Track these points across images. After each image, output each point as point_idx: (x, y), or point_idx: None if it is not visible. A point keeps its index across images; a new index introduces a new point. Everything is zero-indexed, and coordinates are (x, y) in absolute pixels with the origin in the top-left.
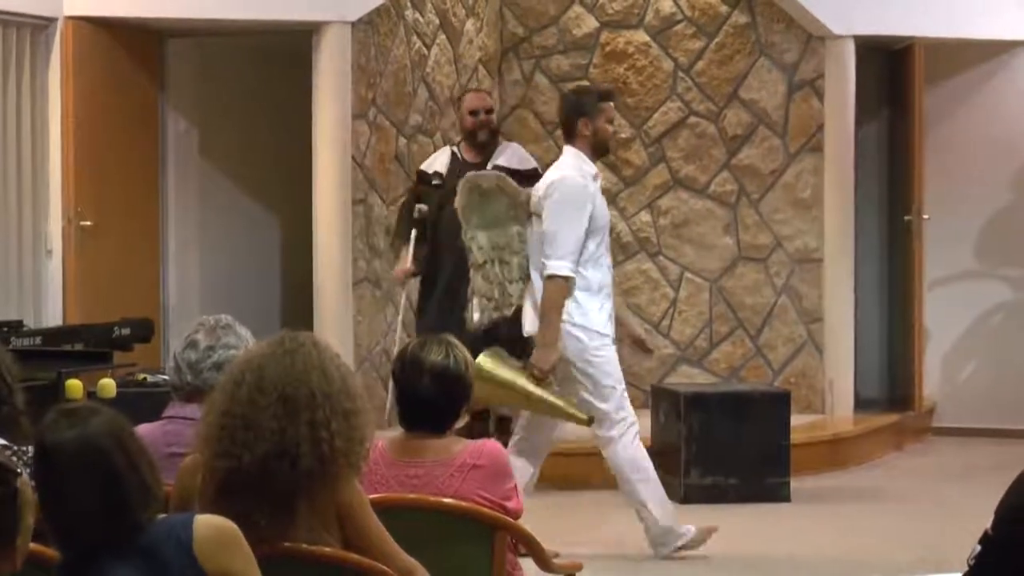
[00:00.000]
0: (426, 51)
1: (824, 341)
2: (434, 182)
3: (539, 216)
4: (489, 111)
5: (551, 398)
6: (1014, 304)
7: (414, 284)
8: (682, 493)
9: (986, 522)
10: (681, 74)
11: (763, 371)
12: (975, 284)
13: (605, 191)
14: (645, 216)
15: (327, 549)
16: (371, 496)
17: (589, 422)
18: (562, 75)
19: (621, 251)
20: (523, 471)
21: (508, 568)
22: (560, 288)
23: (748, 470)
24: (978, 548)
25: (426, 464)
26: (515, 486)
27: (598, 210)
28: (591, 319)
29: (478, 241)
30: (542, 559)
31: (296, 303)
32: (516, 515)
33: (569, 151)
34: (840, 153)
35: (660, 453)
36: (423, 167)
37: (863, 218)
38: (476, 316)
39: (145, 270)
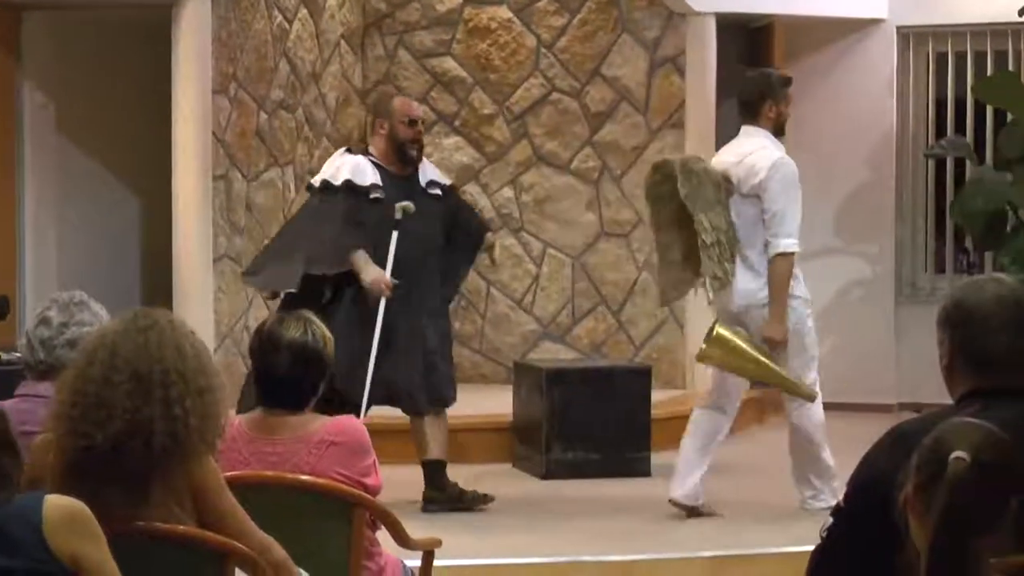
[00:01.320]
0: (288, 26)
1: (685, 317)
2: (372, 195)
3: (745, 196)
4: (422, 122)
5: (780, 369)
6: (871, 280)
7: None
8: (544, 469)
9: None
10: (544, 50)
11: (625, 347)
12: (833, 260)
13: (467, 167)
14: (508, 192)
15: (181, 528)
16: (229, 473)
17: (812, 399)
18: (425, 51)
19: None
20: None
21: (367, 544)
22: (791, 264)
23: (610, 445)
24: (830, 520)
25: (284, 441)
26: (374, 462)
27: None
28: (803, 288)
29: (704, 224)
30: (400, 535)
31: (156, 280)
32: (375, 491)
33: (759, 132)
34: (701, 130)
35: (522, 429)
36: (353, 179)
37: None
38: (710, 294)
39: (1, 247)
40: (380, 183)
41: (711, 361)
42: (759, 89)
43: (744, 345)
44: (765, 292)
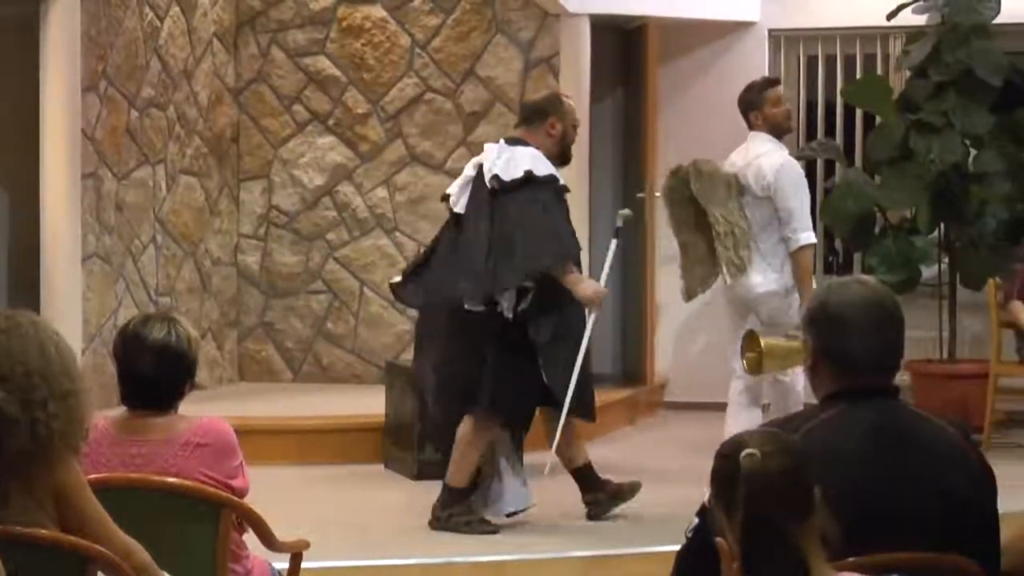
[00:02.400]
0: (159, 23)
1: None
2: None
3: (758, 198)
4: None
5: None
6: None
7: None
8: (415, 469)
9: (706, 495)
10: (418, 50)
11: None
12: None
13: (340, 167)
14: (381, 192)
15: (43, 531)
16: (94, 476)
17: None
18: (299, 49)
19: (358, 227)
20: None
21: (233, 547)
22: (810, 255)
23: None
24: (696, 520)
25: (149, 443)
26: (241, 464)
27: None
28: None
29: (716, 216)
30: (267, 537)
31: (24, 279)
32: (242, 493)
33: (761, 136)
34: None
35: (394, 429)
36: (557, 175)
37: (598, 195)
38: (728, 280)
39: None
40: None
41: (771, 368)
42: (743, 104)
43: (783, 342)
44: (778, 283)
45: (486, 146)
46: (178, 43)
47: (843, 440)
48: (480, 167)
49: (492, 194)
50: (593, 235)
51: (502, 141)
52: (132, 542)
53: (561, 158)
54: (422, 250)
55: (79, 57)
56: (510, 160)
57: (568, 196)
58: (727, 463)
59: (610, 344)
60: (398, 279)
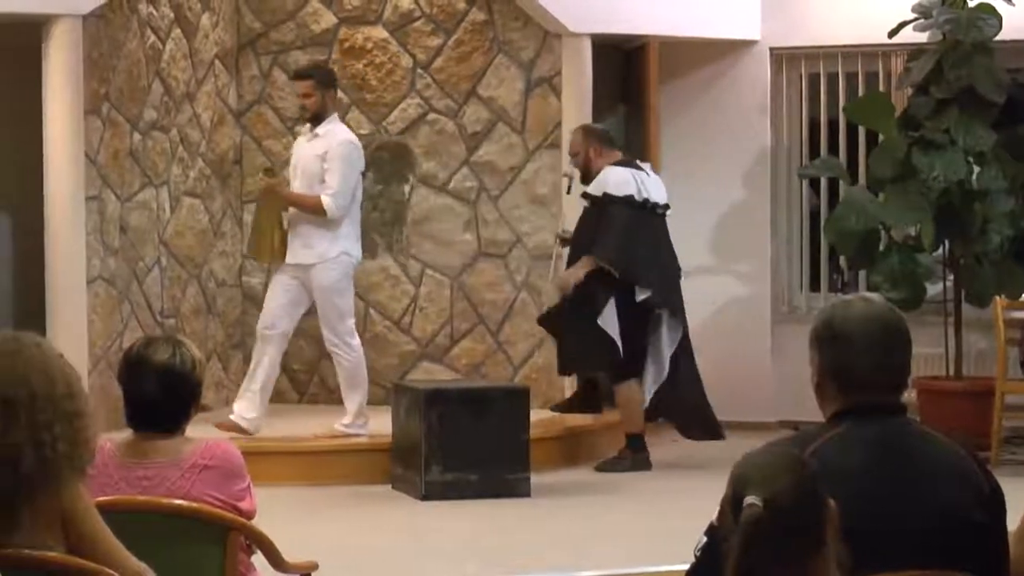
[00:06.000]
0: (161, 45)
1: None
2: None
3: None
4: (575, 155)
5: None
6: (745, 298)
7: None
8: (423, 490)
9: (713, 514)
10: (420, 71)
11: (504, 367)
12: (710, 279)
13: None
14: None
15: (51, 554)
16: (101, 499)
17: None
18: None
19: (363, 247)
20: None
21: (242, 569)
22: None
23: (488, 466)
24: (704, 539)
25: (156, 465)
26: (249, 486)
27: None
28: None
29: None
30: (275, 559)
31: (29, 302)
32: (249, 516)
33: None
34: None
35: (401, 450)
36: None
37: None
38: None
39: None
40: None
41: None
42: None
43: None
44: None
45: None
46: (180, 65)
47: (849, 457)
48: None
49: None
50: None
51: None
52: (141, 565)
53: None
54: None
55: (81, 80)
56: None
57: (574, 214)
58: (733, 500)
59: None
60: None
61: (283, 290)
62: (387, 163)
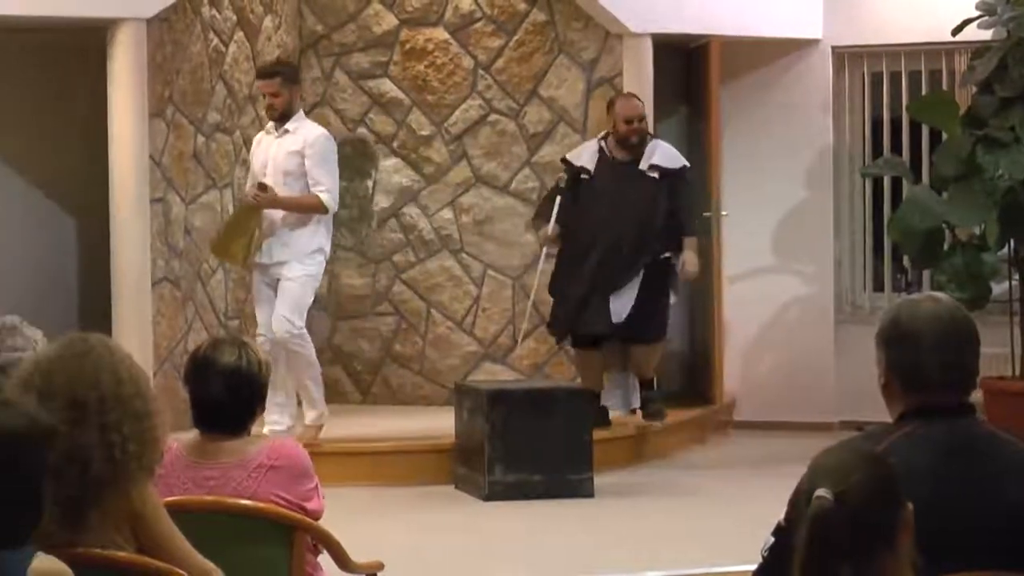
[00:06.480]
0: (224, 48)
1: None
2: (582, 176)
3: None
4: (642, 119)
5: None
6: (808, 298)
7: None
8: (486, 491)
9: (780, 514)
10: (481, 71)
11: (566, 368)
12: (772, 279)
13: (406, 189)
14: (447, 214)
15: (121, 554)
16: (169, 499)
17: None
18: (362, 72)
19: (424, 248)
20: None
21: (308, 569)
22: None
23: (552, 466)
24: (771, 539)
25: (222, 465)
26: (316, 486)
27: None
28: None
29: None
30: (341, 558)
31: (94, 304)
32: (316, 516)
33: None
34: None
35: (464, 451)
36: (569, 157)
37: None
38: None
39: None
40: (591, 166)
41: None
42: None
43: None
44: None
45: None
46: (243, 68)
47: (916, 458)
48: None
49: None
50: None
51: None
52: (209, 564)
53: (621, 145)
54: None
55: (146, 83)
56: None
57: None
58: (805, 494)
59: (678, 363)
60: None
61: (267, 298)
62: (350, 159)
